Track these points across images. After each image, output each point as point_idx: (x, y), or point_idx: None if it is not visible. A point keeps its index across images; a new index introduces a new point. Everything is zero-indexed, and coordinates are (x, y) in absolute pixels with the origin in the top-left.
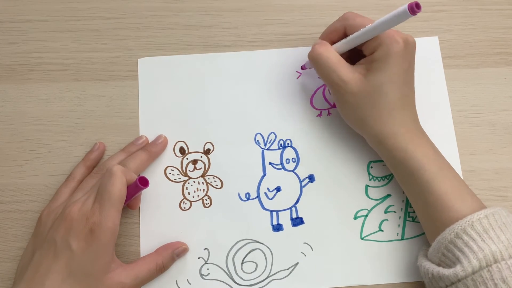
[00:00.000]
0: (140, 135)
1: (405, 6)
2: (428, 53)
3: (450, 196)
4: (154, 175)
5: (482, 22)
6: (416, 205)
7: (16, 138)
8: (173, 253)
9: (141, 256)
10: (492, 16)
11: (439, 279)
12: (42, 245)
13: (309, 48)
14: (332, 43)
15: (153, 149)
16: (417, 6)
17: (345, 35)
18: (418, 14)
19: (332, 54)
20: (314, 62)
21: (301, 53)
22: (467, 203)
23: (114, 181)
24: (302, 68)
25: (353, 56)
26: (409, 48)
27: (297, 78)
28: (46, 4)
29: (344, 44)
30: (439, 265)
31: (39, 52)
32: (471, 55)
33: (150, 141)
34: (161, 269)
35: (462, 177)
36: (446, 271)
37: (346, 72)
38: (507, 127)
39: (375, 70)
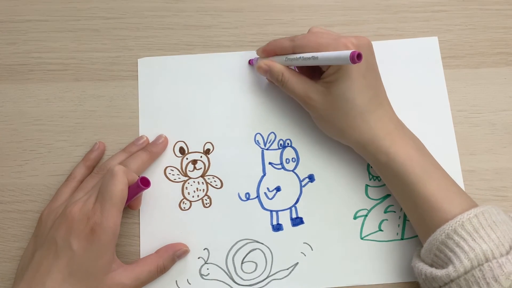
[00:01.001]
0: (140, 135)
1: (349, 53)
2: (427, 53)
3: (437, 197)
4: (154, 175)
5: (482, 22)
6: (405, 207)
7: (16, 138)
8: (174, 254)
9: (141, 256)
10: (492, 16)
11: (432, 280)
12: (42, 245)
13: None
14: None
15: (154, 149)
16: (358, 57)
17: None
18: (418, 14)
19: (293, 75)
20: (280, 85)
21: None
22: (455, 203)
23: (115, 181)
24: (250, 63)
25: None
26: (363, 50)
27: None
28: (46, 4)
29: (287, 62)
30: (431, 265)
31: (39, 52)
32: (471, 55)
33: (150, 141)
34: (162, 271)
35: (462, 177)
36: (438, 272)
37: (310, 89)
38: (507, 127)
39: (335, 81)
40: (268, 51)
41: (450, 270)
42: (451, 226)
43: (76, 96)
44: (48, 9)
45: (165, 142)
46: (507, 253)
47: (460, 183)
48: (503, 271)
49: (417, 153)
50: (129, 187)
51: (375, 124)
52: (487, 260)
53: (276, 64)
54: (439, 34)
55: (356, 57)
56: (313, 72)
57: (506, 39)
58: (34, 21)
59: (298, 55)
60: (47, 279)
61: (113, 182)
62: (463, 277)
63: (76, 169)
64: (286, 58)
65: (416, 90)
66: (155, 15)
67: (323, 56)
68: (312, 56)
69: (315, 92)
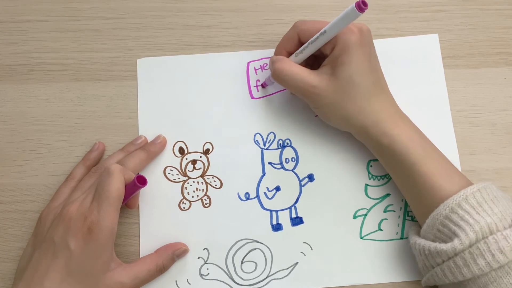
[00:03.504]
0: (139, 135)
1: (353, 5)
2: (428, 50)
3: (438, 176)
4: (154, 175)
5: (482, 22)
6: (404, 189)
7: (16, 138)
8: (173, 254)
9: (141, 256)
10: (492, 16)
11: (437, 255)
12: (41, 245)
13: None
14: (289, 53)
15: (152, 148)
16: (364, 3)
17: (300, 43)
18: (418, 14)
19: (293, 66)
20: (280, 80)
21: None
22: (455, 181)
23: (112, 180)
24: (263, 86)
25: (313, 63)
26: (365, 35)
27: None
28: (46, 4)
29: (302, 53)
30: (433, 241)
31: (39, 52)
32: (471, 55)
33: (149, 141)
34: (161, 270)
35: None
36: (443, 246)
37: (313, 77)
38: (507, 127)
39: (340, 65)
40: (279, 52)
41: (455, 243)
42: (455, 200)
43: (76, 96)
44: (48, 9)
45: (164, 142)
46: (510, 226)
47: (457, 167)
48: (508, 243)
49: (417, 135)
50: (126, 186)
51: (379, 107)
52: (491, 233)
53: (277, 62)
54: (439, 34)
55: (362, 4)
56: (313, 65)
57: (506, 39)
58: (34, 21)
59: (305, 44)
60: (46, 279)
61: (110, 181)
62: (467, 250)
63: (75, 169)
64: (295, 54)
65: (416, 87)
66: (155, 15)
67: (330, 26)
68: (320, 33)
69: (318, 79)
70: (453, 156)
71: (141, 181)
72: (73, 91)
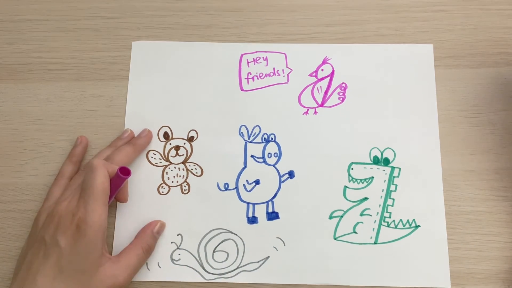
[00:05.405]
0: (126, 115)
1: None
2: (421, 59)
3: None
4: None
5: (482, 22)
6: None
7: (16, 137)
8: (152, 232)
9: (115, 233)
10: (492, 16)
11: None
12: (33, 244)
13: (306, 45)
14: None
15: (138, 142)
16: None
17: None
18: (419, 14)
19: None
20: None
21: (292, 49)
22: None
23: (95, 175)
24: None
25: None
26: None
27: (288, 74)
28: (46, 4)
29: None
30: None
31: (39, 52)
32: (471, 55)
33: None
34: (148, 251)
35: (463, 178)
36: None
37: None
38: (507, 127)
39: None
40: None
41: None
42: None
43: (76, 95)
44: (48, 9)
45: (149, 135)
46: None
47: (439, 182)
48: None
49: None
50: (111, 180)
51: None
52: None
53: None
54: (439, 34)
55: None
56: None
57: (506, 39)
58: (34, 21)
59: None
60: (38, 277)
61: (93, 176)
62: None
63: (63, 166)
64: None
65: (408, 93)
66: (155, 15)
67: None
68: None
69: None
70: (435, 156)
71: (125, 172)
72: (73, 90)
